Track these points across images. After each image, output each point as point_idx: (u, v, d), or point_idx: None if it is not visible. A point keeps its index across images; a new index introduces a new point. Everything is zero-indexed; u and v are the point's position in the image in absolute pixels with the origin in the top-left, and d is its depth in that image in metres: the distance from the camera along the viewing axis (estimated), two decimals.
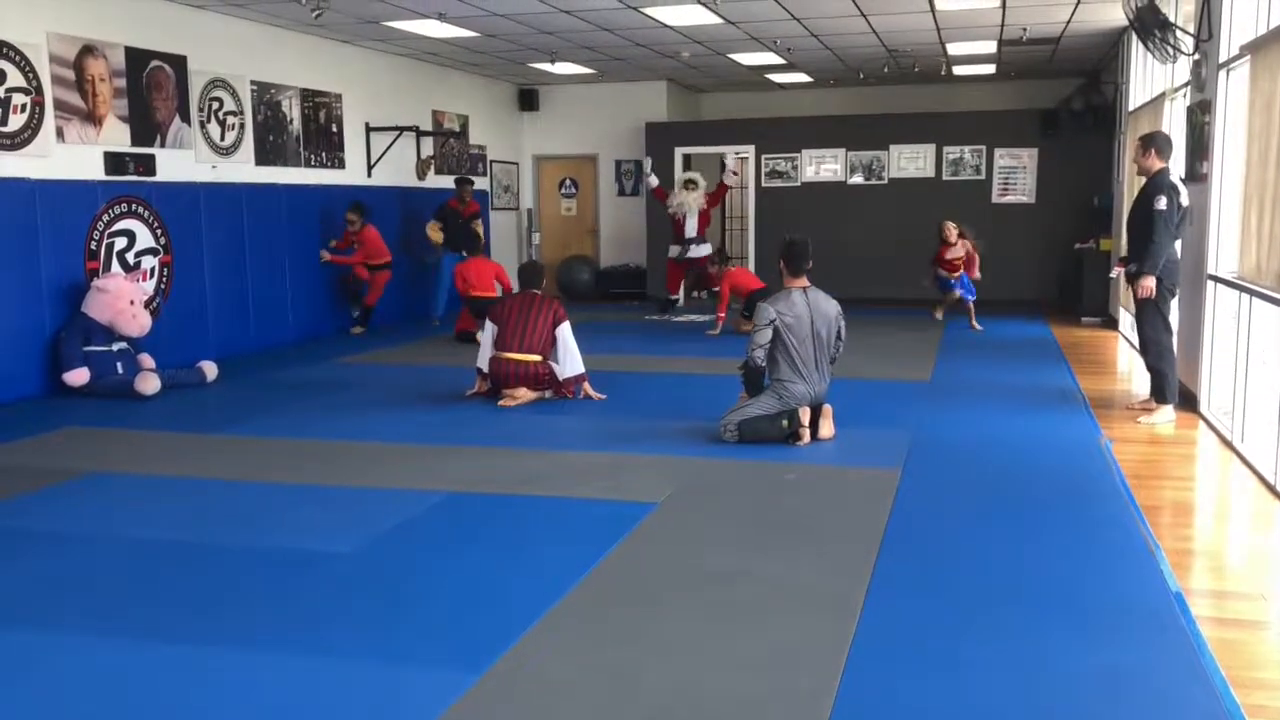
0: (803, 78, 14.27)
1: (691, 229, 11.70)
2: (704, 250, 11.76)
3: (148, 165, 8.57)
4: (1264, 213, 5.48)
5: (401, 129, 11.89)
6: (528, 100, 15.13)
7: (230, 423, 6.67)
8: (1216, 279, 6.65)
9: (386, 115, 11.86)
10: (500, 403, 7.10)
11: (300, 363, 9.13)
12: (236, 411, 7.06)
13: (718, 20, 10.08)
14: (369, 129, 11.63)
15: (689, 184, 11.74)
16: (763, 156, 14.36)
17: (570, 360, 7.15)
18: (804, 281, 6.10)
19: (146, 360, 7.94)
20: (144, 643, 3.34)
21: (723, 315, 10.74)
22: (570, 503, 4.86)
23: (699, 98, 16.23)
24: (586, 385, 7.25)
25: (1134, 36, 8.85)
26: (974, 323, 10.89)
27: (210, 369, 8.12)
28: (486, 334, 7.28)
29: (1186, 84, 7.69)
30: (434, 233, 11.45)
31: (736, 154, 13.03)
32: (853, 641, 3.26)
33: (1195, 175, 7.04)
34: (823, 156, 14.20)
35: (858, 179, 14.07)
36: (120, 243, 8.33)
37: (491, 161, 14.49)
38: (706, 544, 4.26)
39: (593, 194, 15.51)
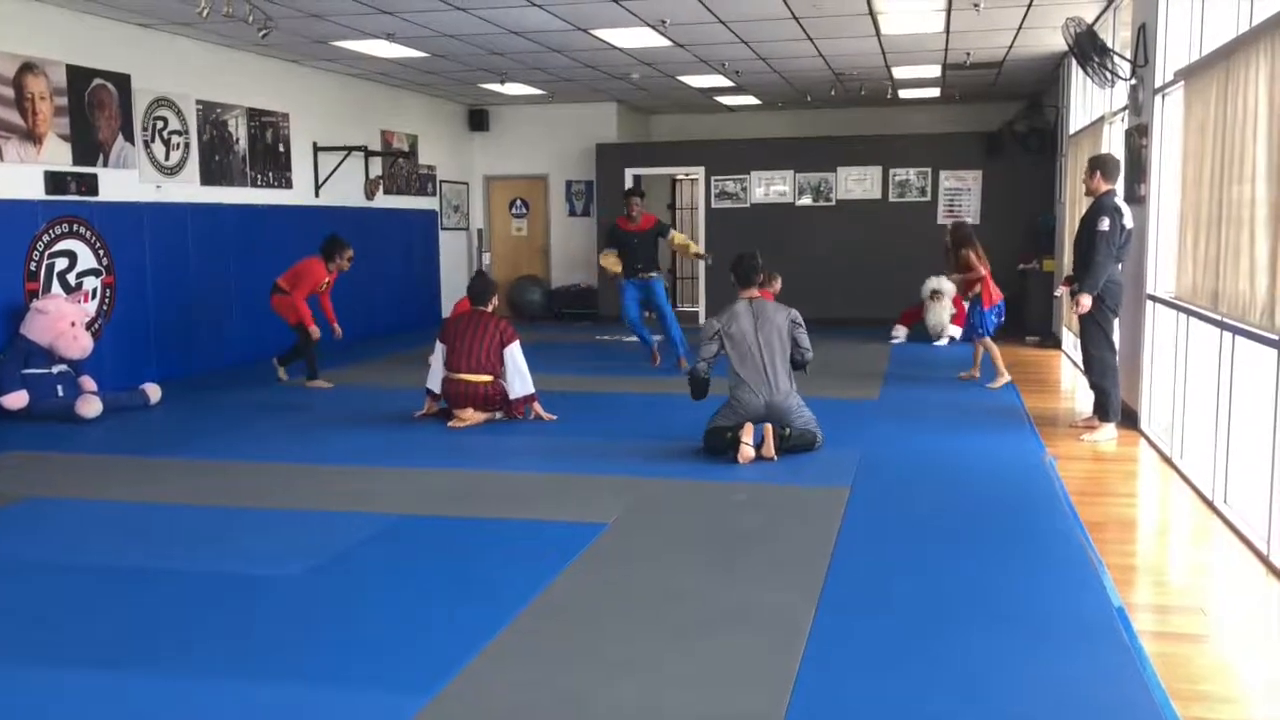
0: (751, 100, 14.41)
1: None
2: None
3: (90, 185, 8.43)
4: (1199, 234, 5.61)
5: (350, 149, 11.81)
6: (478, 120, 15.11)
7: (174, 446, 6.56)
8: (1155, 299, 6.79)
9: (334, 135, 11.78)
10: (449, 424, 7.06)
11: (246, 385, 9.00)
12: (180, 435, 6.95)
13: (667, 43, 10.15)
14: (316, 149, 11.54)
15: (935, 295, 11.49)
16: (712, 178, 14.45)
17: (520, 381, 7.13)
18: (753, 292, 6.23)
19: (88, 383, 7.79)
20: (86, 671, 3.26)
21: None
22: (520, 524, 4.84)
23: (649, 119, 16.32)
24: (537, 405, 7.22)
25: (1074, 62, 9.03)
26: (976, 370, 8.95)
27: (153, 391, 7.98)
28: (436, 355, 7.25)
29: (1124, 108, 7.86)
30: (610, 264, 10.54)
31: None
32: (802, 659, 3.27)
33: (1134, 197, 7.19)
34: (771, 178, 14.32)
35: (806, 200, 14.20)
36: (61, 263, 8.18)
37: (441, 182, 14.44)
38: (656, 564, 4.25)
39: (543, 214, 15.51)
